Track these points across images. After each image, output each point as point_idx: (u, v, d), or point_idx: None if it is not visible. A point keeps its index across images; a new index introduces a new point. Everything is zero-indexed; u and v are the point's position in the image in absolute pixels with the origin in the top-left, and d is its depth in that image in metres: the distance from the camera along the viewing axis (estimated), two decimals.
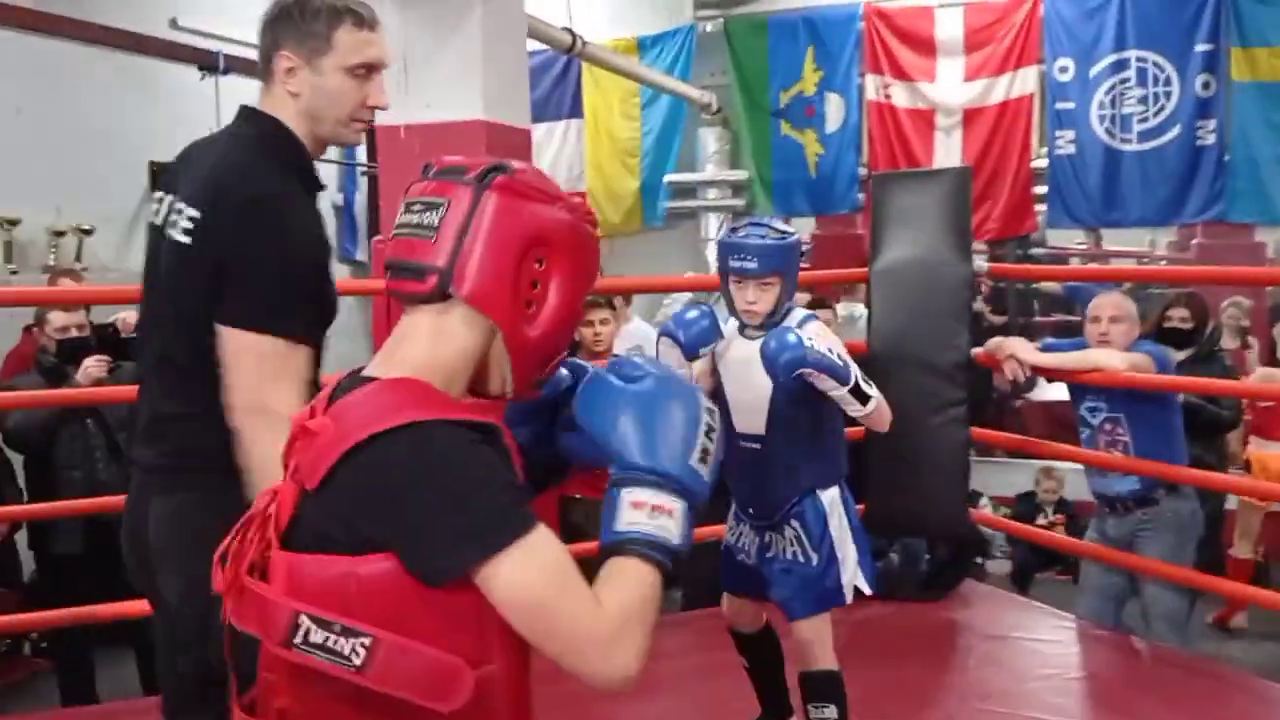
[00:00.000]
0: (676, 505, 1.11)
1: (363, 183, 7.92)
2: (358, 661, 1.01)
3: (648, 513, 1.10)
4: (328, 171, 7.69)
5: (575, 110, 7.31)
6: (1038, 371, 3.62)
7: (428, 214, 1.16)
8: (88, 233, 5.62)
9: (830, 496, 2.49)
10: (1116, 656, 3.56)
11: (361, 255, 7.91)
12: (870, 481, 3.90)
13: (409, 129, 3.81)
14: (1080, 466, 6.20)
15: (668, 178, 7.18)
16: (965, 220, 3.91)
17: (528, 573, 1.05)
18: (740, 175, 7.03)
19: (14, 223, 5.26)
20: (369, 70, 1.82)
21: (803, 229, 9.74)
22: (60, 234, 5.53)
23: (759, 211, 7.19)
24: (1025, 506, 6.18)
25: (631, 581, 1.09)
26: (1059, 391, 5.72)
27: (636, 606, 1.08)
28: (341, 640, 1.02)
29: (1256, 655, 4.58)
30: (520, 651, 1.10)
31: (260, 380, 1.67)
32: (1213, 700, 3.19)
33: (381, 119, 3.94)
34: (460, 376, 1.16)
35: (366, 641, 1.01)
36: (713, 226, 7.11)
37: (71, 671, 4.04)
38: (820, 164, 6.78)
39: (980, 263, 3.99)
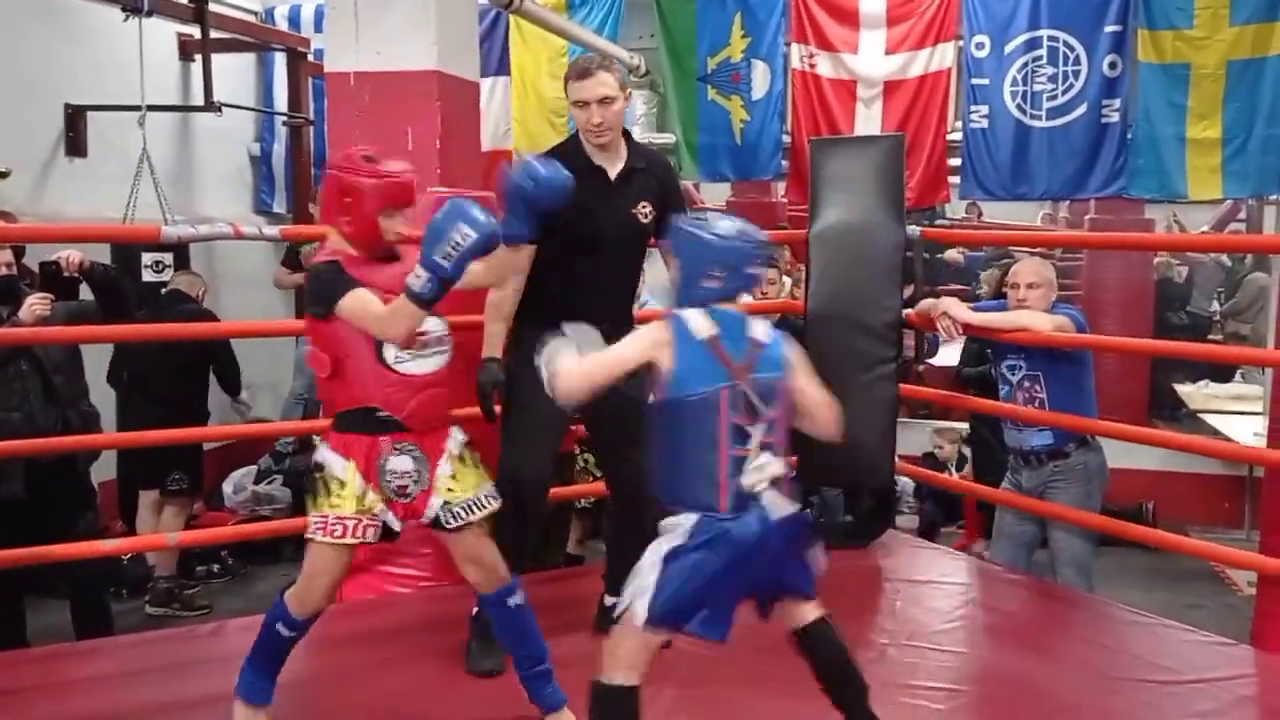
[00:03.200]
0: (424, 274, 2.28)
1: (282, 133, 7.80)
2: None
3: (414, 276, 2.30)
4: (244, 120, 7.56)
5: (502, 68, 7.29)
6: (968, 330, 3.82)
7: None
8: (3, 175, 5.46)
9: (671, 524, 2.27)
10: (1029, 598, 3.81)
11: (279, 206, 7.80)
12: (802, 434, 4.07)
13: (359, 76, 3.81)
14: None
15: None
16: (899, 186, 4.09)
17: (350, 302, 2.38)
18: (667, 139, 7.10)
19: None
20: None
21: (719, 196, 9.95)
22: None
23: (684, 175, 7.30)
24: (930, 464, 6.49)
25: (399, 302, 2.33)
26: (953, 358, 6.02)
27: (397, 307, 2.34)
28: None
29: (1154, 600, 4.93)
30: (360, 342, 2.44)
31: None
32: (1114, 636, 3.45)
33: (330, 65, 3.97)
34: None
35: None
36: None
37: (5, 617, 4.01)
38: (745, 130, 6.89)
39: (913, 228, 4.17)
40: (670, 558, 2.16)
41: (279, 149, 7.84)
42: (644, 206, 3.01)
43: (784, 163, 7.00)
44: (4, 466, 3.70)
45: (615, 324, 2.79)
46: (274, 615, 2.52)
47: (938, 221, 9.57)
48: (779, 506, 2.21)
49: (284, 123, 7.64)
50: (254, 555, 5.63)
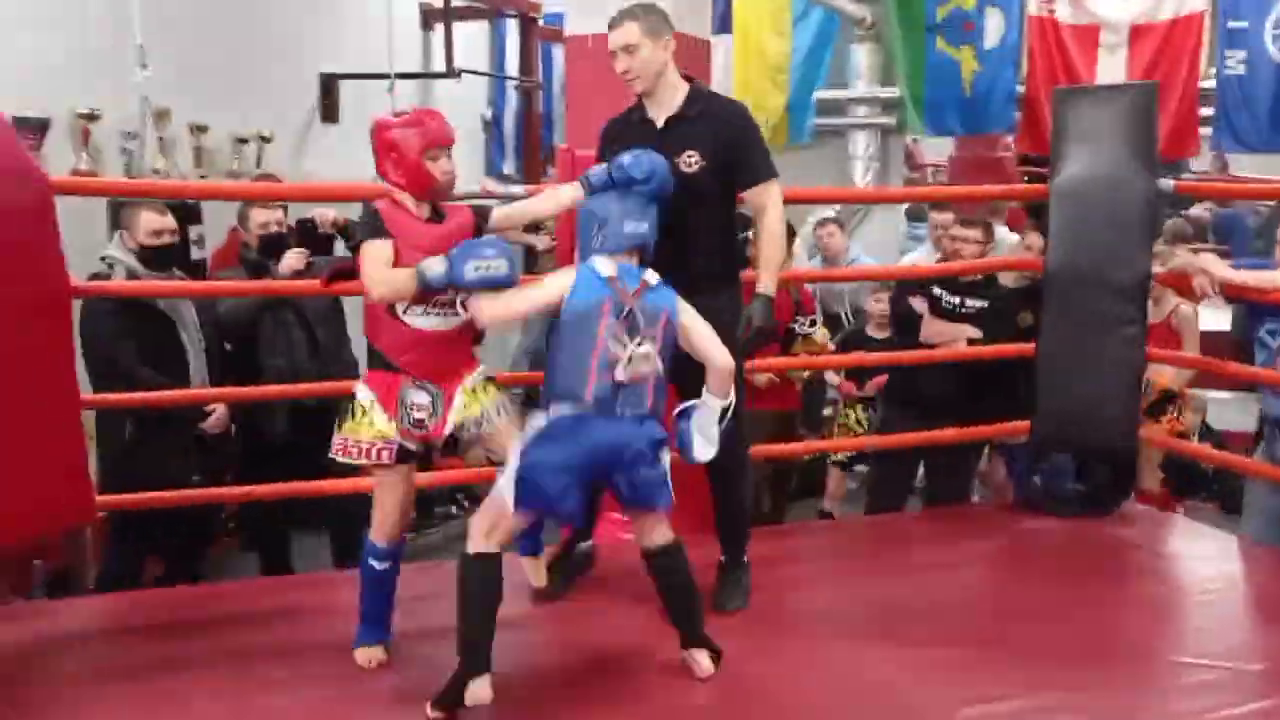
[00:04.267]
0: (442, 268, 2.52)
1: (513, 97, 8.07)
2: None
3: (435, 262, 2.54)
4: (478, 85, 7.85)
5: (724, 26, 7.30)
6: (1227, 290, 3.60)
7: None
8: (267, 140, 5.89)
9: (537, 416, 2.57)
10: None
11: (509, 168, 8.08)
12: (1042, 398, 3.96)
13: (597, 38, 3.89)
14: (1225, 395, 6.13)
15: (816, 94, 7.12)
16: (1150, 136, 3.87)
17: (365, 249, 2.59)
18: (891, 92, 6.95)
19: (203, 129, 5.54)
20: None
21: (941, 150, 9.63)
22: (243, 141, 5.81)
23: (910, 130, 7.11)
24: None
25: (405, 272, 2.55)
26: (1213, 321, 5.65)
27: (397, 275, 2.55)
28: None
29: None
30: None
31: None
32: None
33: (570, 29, 4.08)
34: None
35: None
36: (861, 144, 7.07)
37: (272, 547, 4.39)
38: (976, 82, 6.65)
39: (1165, 181, 3.93)
40: (532, 447, 2.49)
41: (510, 113, 8.12)
42: (689, 155, 2.93)
43: (1016, 115, 6.71)
44: (271, 409, 4.03)
45: (680, 274, 2.75)
46: (365, 554, 2.74)
47: (1183, 175, 8.97)
48: (639, 414, 2.55)
49: (515, 87, 7.89)
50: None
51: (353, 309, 4.56)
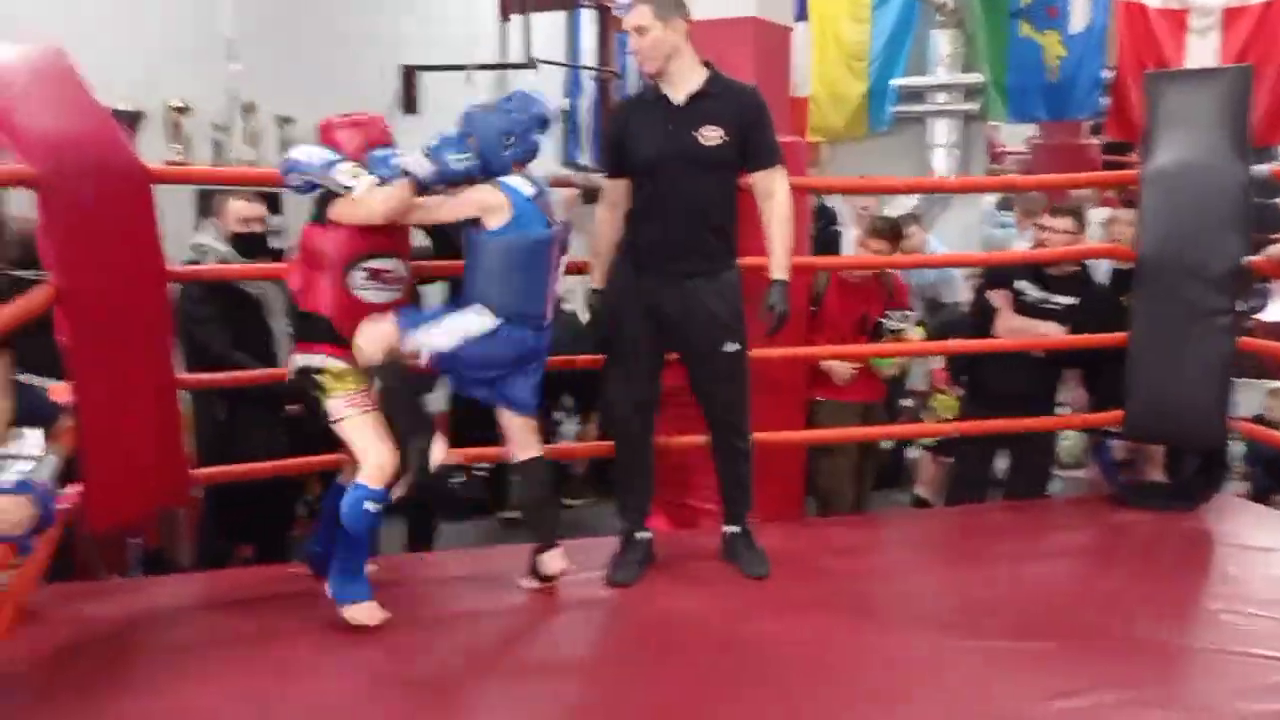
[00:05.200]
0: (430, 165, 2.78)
1: (589, 87, 8.09)
2: None
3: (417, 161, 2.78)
4: (554, 75, 7.88)
5: (801, 13, 7.24)
6: None
7: None
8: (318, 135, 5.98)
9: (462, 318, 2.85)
10: None
11: (584, 158, 8.11)
12: (1133, 388, 3.88)
13: None
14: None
15: (896, 81, 7.04)
16: (1244, 122, 3.76)
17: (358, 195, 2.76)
18: (973, 79, 6.83)
19: (288, 121, 5.66)
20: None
21: (1023, 137, 9.45)
22: None
23: (992, 116, 7.01)
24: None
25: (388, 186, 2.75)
26: None
27: (386, 190, 2.76)
28: None
29: None
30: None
31: None
32: None
33: None
34: None
35: None
36: (941, 131, 6.97)
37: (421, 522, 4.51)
38: (1061, 67, 6.53)
39: (1260, 167, 3.82)
40: (474, 339, 2.81)
41: (585, 103, 8.15)
42: (709, 130, 3.03)
43: (1102, 101, 6.57)
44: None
45: (688, 253, 3.06)
46: (356, 505, 2.78)
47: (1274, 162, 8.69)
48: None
49: (592, 77, 7.91)
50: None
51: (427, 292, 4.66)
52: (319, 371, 2.85)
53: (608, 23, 7.77)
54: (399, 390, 2.82)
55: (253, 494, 3.67)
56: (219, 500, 3.85)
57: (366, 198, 2.74)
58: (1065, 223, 4.07)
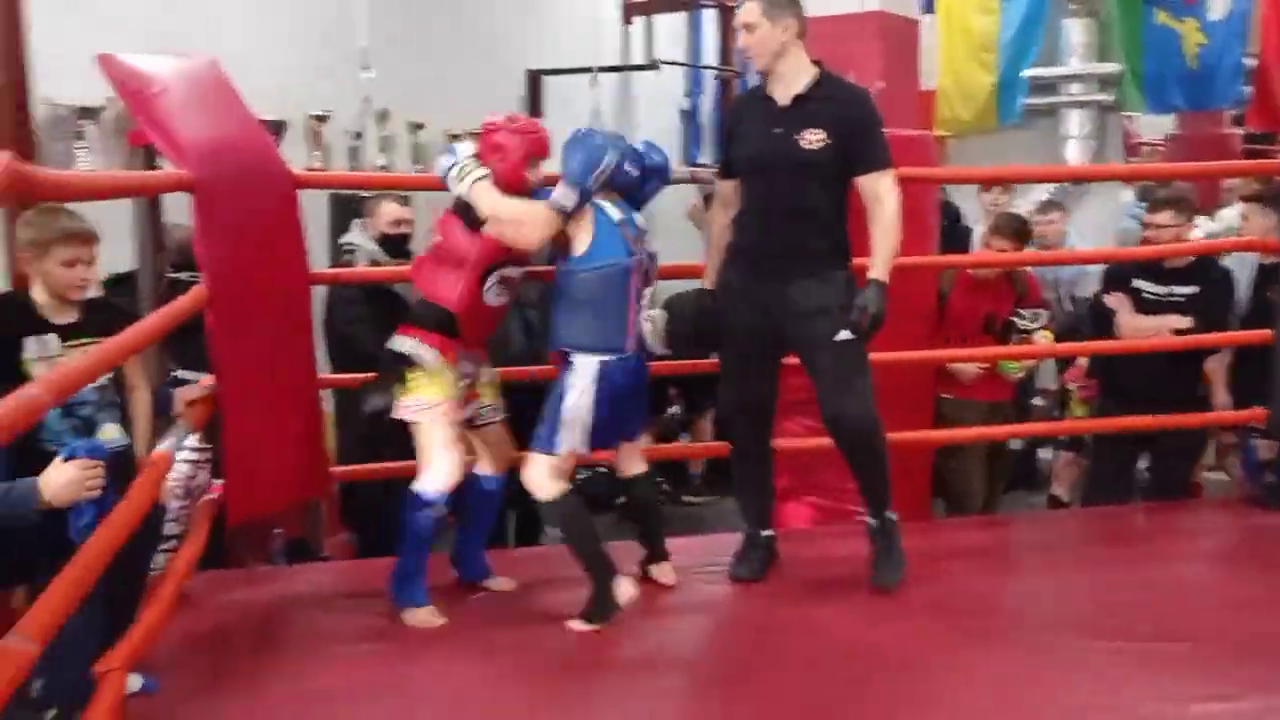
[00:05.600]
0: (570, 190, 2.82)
1: (710, 87, 8.12)
2: None
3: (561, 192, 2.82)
4: (676, 76, 7.93)
5: (928, 5, 7.12)
6: None
7: None
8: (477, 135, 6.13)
9: (584, 364, 2.90)
10: None
11: (705, 158, 8.13)
12: (1276, 388, 3.73)
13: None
14: None
15: (1027, 72, 6.87)
16: None
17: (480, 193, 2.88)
18: (1109, 68, 6.61)
19: (420, 127, 5.82)
20: None
21: (1159, 128, 9.12)
22: (455, 137, 6.06)
23: (1129, 107, 6.78)
24: None
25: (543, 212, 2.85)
26: None
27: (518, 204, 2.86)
28: None
29: None
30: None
31: None
32: None
33: None
34: None
35: None
36: (1074, 123, 6.76)
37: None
38: (1201, 55, 6.29)
39: None
40: (593, 400, 2.87)
41: (707, 103, 8.17)
42: (812, 134, 2.97)
43: (1244, 90, 6.29)
44: None
45: (792, 256, 3.02)
46: (413, 510, 2.92)
47: None
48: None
49: (714, 76, 7.93)
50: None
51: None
52: (411, 364, 2.91)
53: (729, 22, 7.77)
54: (579, 520, 2.94)
55: (390, 489, 3.79)
56: (357, 493, 3.98)
57: (526, 229, 2.85)
58: (1165, 216, 3.95)
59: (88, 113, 4.15)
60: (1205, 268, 4.01)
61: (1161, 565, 3.39)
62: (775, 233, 3.06)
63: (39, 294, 2.57)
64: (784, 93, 3.04)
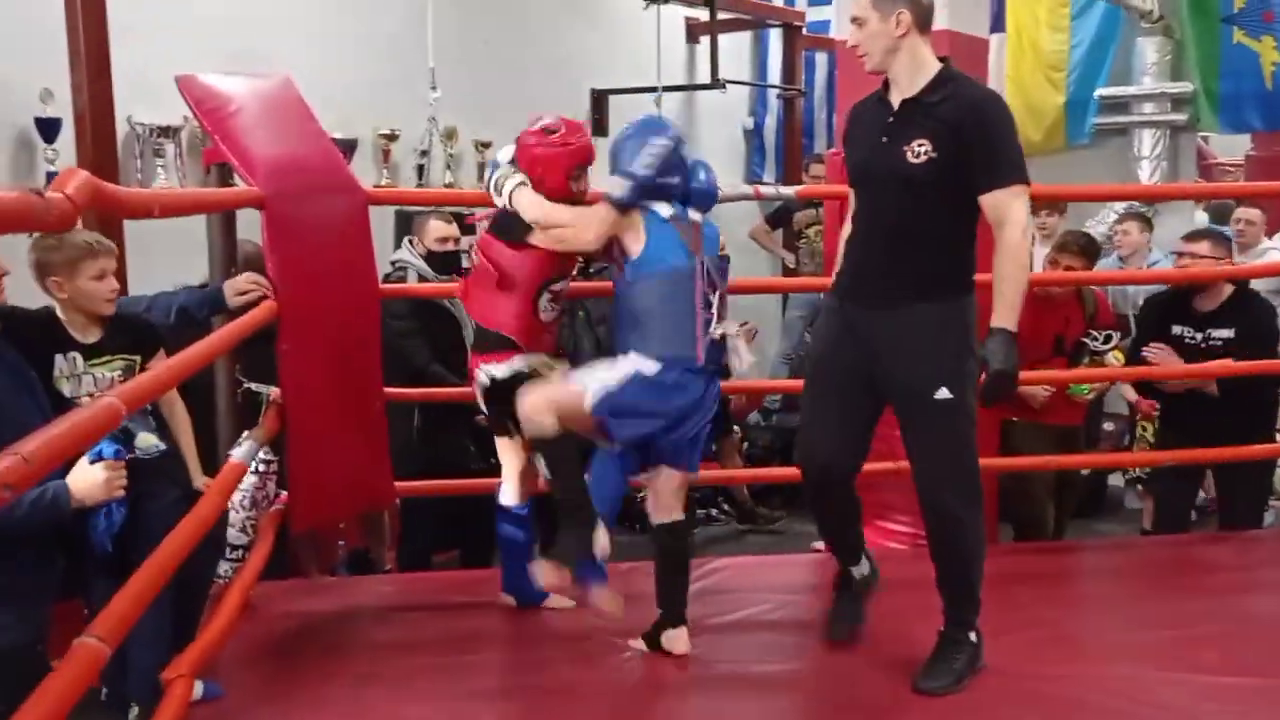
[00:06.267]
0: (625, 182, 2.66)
1: (774, 106, 8.13)
2: None
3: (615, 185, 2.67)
4: (740, 95, 7.94)
5: (997, 24, 7.05)
6: None
7: None
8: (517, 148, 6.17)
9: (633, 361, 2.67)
10: None
11: (768, 176, 8.13)
12: None
13: None
14: None
15: (1099, 92, 6.77)
16: None
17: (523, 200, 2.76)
18: (1183, 88, 6.49)
19: (486, 145, 5.89)
20: None
21: (1235, 149, 8.92)
22: (485, 144, 6.07)
23: (1203, 127, 6.65)
24: None
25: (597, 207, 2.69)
26: None
27: (590, 213, 2.70)
28: None
29: None
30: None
31: None
32: None
33: (839, 33, 4.08)
34: None
35: None
36: (1147, 144, 6.61)
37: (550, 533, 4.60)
38: (1278, 75, 6.16)
39: None
40: (640, 379, 2.62)
41: (770, 121, 8.18)
42: (919, 145, 2.52)
43: None
44: None
45: (898, 277, 2.58)
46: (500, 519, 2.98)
47: None
48: (714, 368, 2.76)
49: (778, 95, 7.94)
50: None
51: None
52: (526, 375, 2.82)
53: (795, 41, 7.78)
54: (567, 463, 2.65)
55: (451, 502, 3.83)
56: (415, 503, 4.02)
57: (579, 228, 2.69)
58: (1203, 246, 3.87)
59: (167, 132, 4.27)
60: (1243, 306, 3.92)
61: (1230, 595, 3.30)
62: (875, 255, 2.66)
63: (63, 313, 2.60)
64: (897, 96, 2.61)
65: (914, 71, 2.59)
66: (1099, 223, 6.12)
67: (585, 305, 4.35)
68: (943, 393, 2.53)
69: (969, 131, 2.51)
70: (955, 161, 2.51)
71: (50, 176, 3.83)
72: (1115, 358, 4.09)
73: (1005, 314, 2.50)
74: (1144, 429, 4.82)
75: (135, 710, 2.51)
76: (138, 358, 2.66)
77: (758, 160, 8.26)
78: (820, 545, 3.02)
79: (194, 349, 2.47)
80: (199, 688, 2.46)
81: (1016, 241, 2.50)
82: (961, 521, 2.61)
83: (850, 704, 2.62)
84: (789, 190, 4.17)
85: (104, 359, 2.61)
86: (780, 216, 6.43)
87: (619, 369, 2.66)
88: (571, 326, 4.33)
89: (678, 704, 2.68)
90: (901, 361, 2.58)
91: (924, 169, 2.53)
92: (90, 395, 2.51)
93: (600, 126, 6.71)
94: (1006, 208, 2.50)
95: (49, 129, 3.91)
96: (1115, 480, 5.60)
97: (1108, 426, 5.40)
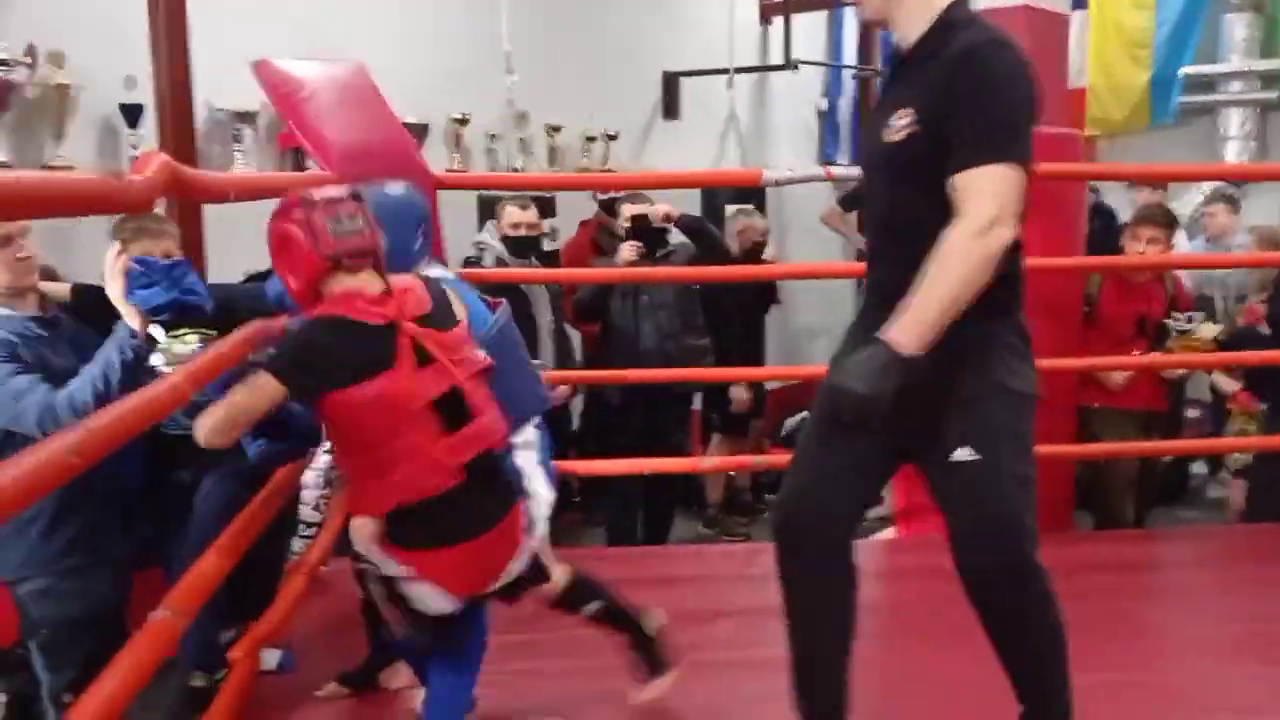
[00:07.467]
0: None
1: (848, 86, 8.02)
2: None
3: None
4: (813, 76, 7.85)
5: (1079, 1, 6.89)
6: None
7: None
8: (613, 138, 6.19)
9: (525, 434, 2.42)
10: None
11: (842, 158, 8.03)
12: None
13: None
14: None
15: (1184, 70, 6.57)
16: None
17: None
18: (1273, 65, 6.28)
19: (557, 129, 5.91)
20: None
21: None
22: (591, 139, 6.13)
23: None
24: None
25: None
26: None
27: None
28: None
29: None
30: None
31: None
32: None
33: None
34: None
35: None
36: (1234, 123, 6.42)
37: (619, 516, 4.64)
38: None
39: None
40: None
41: (845, 102, 8.07)
42: (899, 118, 1.92)
43: None
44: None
45: (889, 286, 1.91)
46: None
47: None
48: None
49: (853, 76, 7.83)
50: None
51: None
52: None
53: None
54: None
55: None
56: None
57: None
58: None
59: (244, 117, 4.35)
60: None
61: None
62: (876, 260, 2.09)
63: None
64: (901, 56, 2.05)
65: (914, 19, 1.97)
66: (1184, 205, 5.96)
67: (646, 290, 4.36)
68: (962, 453, 1.90)
69: (952, 94, 1.87)
70: (942, 134, 1.88)
71: (134, 161, 3.93)
72: (1208, 329, 3.92)
73: (906, 325, 1.82)
74: (1243, 418, 4.64)
75: (196, 677, 2.57)
76: (214, 332, 2.72)
77: (831, 142, 8.16)
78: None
79: (250, 329, 2.50)
80: (275, 656, 2.52)
81: (962, 242, 1.81)
82: (1023, 615, 1.99)
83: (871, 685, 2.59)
84: (859, 171, 4.11)
85: (182, 332, 2.67)
86: (853, 199, 6.32)
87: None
88: (634, 311, 4.34)
89: (676, 688, 2.65)
90: (909, 411, 1.85)
91: (904, 147, 1.93)
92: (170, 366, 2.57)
93: (671, 109, 6.70)
94: (969, 193, 1.83)
95: (132, 115, 4.00)
96: (1198, 468, 5.45)
97: (1191, 414, 5.25)
